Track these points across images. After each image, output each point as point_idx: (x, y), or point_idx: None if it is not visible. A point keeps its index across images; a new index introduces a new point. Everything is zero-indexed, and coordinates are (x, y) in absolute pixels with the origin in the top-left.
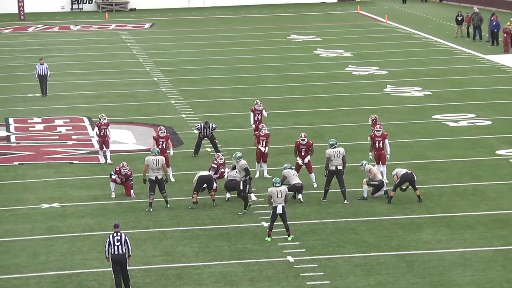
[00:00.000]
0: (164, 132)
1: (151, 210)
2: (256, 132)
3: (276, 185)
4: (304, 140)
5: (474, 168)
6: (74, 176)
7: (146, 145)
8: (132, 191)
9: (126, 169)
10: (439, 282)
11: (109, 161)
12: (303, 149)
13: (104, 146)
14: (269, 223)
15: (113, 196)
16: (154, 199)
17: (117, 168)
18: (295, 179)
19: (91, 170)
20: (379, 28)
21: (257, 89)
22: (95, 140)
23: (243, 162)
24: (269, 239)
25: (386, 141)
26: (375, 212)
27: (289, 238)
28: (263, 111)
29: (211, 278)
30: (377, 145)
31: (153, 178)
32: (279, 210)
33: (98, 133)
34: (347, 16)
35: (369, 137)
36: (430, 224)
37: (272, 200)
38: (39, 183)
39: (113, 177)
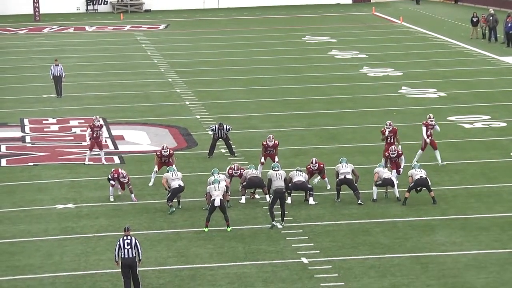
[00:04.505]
0: (167, 151)
1: (174, 209)
2: (265, 142)
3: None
4: (315, 165)
5: (489, 170)
6: (89, 176)
7: (161, 146)
8: (132, 195)
9: (125, 179)
10: (454, 284)
11: (104, 162)
12: (315, 173)
13: (98, 147)
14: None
15: (111, 199)
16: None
17: (115, 175)
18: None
19: (106, 171)
20: (394, 29)
21: (272, 90)
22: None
23: (282, 172)
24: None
25: (402, 157)
26: (389, 213)
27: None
28: (436, 126)
29: (225, 279)
30: (393, 161)
31: (177, 186)
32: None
33: (91, 134)
34: (362, 18)
35: (384, 150)
36: (445, 226)
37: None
38: (54, 183)
39: (112, 182)
